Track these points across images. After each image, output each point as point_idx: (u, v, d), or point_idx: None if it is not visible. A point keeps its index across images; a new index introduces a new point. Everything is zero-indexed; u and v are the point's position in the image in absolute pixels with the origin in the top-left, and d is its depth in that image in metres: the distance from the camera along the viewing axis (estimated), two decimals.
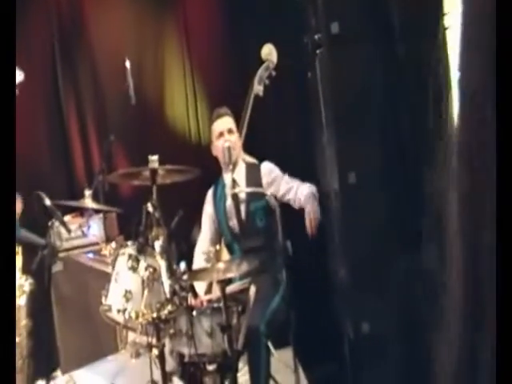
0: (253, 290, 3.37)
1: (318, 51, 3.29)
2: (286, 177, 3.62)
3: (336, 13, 3.12)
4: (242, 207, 3.59)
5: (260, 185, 3.56)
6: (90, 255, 4.13)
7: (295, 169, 3.93)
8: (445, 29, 3.18)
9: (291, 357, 3.08)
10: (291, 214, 3.65)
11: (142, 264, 3.06)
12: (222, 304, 2.96)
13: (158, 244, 2.98)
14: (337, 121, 3.15)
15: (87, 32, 4.90)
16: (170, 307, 2.92)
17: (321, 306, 3.89)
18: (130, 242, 3.19)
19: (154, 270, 3.02)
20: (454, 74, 2.72)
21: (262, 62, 4.07)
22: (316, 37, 3.26)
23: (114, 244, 3.70)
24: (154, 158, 3.18)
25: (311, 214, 3.39)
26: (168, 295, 2.92)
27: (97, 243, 4.26)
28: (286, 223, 3.13)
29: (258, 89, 4.09)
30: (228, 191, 3.58)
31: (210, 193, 3.80)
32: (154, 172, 3.10)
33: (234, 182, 3.59)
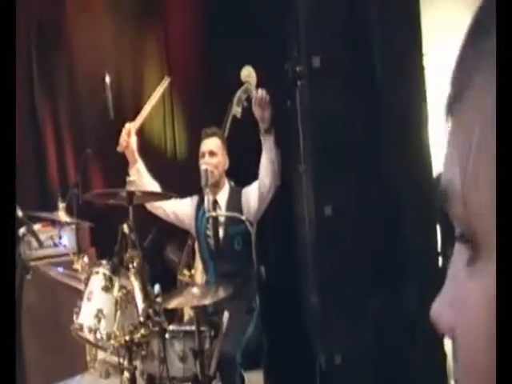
0: (226, 315, 3.40)
1: (298, 83, 3.35)
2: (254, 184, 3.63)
3: (318, 47, 3.19)
4: (221, 230, 3.61)
5: (240, 209, 3.57)
6: (60, 269, 4.09)
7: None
8: (423, 68, 3.30)
9: (261, 381, 3.13)
10: (266, 239, 3.71)
11: (116, 284, 3.07)
12: (194, 328, 2.99)
13: (132, 266, 3.00)
14: (315, 152, 3.22)
15: (66, 42, 4.87)
16: (143, 331, 2.93)
17: (294, 333, 3.92)
18: (104, 261, 3.20)
19: (128, 291, 3.04)
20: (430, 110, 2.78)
21: (241, 83, 4.11)
22: (297, 69, 3.32)
23: (86, 258, 3.70)
24: (132, 179, 3.21)
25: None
26: (142, 319, 2.94)
27: (68, 254, 4.23)
28: (260, 248, 3.19)
29: (236, 110, 4.12)
30: (206, 213, 3.59)
31: (194, 201, 3.76)
32: (130, 194, 3.11)
33: (216, 204, 3.62)
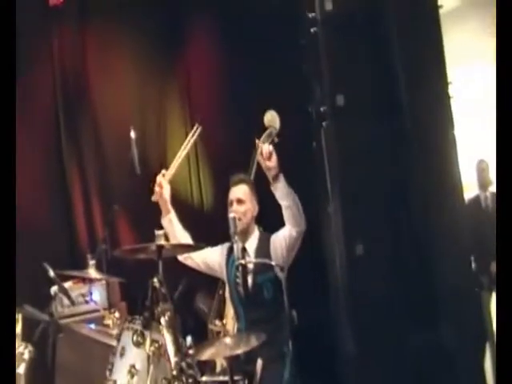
0: (259, 363, 3.31)
1: (323, 123, 3.31)
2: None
3: (342, 85, 3.15)
4: (250, 278, 3.52)
5: (269, 256, 3.49)
6: (92, 326, 4.06)
7: None
8: (449, 98, 3.23)
9: None
10: (296, 283, 3.62)
11: (148, 339, 3.03)
12: (228, 379, 2.94)
13: (163, 319, 2.96)
14: (343, 192, 3.16)
15: (91, 99, 4.97)
16: None
17: (329, 378, 3.81)
18: (135, 316, 3.15)
19: (160, 345, 2.99)
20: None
21: (264, 128, 4.09)
22: (321, 109, 3.28)
23: (117, 313, 3.66)
24: (160, 232, 3.15)
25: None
26: (175, 372, 2.87)
27: (98, 310, 4.22)
28: (290, 293, 3.11)
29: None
30: (236, 261, 3.52)
31: (225, 249, 3.68)
32: (160, 247, 3.08)
33: (244, 252, 3.55)
